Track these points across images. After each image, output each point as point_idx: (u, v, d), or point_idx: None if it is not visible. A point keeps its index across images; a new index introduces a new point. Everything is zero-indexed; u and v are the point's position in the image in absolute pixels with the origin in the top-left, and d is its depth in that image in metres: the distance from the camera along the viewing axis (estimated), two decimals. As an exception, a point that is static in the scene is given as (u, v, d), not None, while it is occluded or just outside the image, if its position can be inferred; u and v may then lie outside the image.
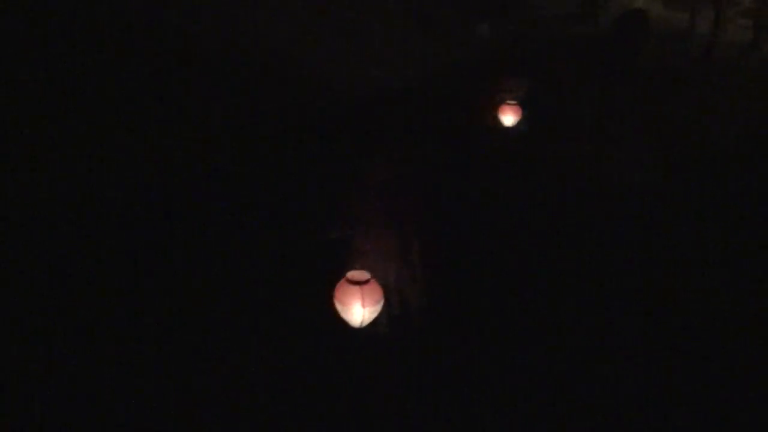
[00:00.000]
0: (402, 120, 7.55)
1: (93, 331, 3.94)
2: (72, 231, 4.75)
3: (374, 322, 3.55)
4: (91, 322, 4.01)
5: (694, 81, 10.04)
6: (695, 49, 11.64)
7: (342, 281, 3.42)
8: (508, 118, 6.80)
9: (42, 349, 3.76)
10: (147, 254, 4.62)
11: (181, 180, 5.49)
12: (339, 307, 3.46)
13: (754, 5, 12.20)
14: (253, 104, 6.62)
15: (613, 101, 8.97)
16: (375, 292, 3.44)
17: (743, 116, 8.73)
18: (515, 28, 12.32)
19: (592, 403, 3.78)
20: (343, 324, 3.53)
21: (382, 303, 3.50)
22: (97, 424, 3.42)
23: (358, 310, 3.41)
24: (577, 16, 13.91)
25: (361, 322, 3.48)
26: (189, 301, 4.26)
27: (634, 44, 10.98)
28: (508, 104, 6.80)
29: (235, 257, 4.73)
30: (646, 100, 9.00)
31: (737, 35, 12.13)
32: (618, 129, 8.18)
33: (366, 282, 3.40)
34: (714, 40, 11.39)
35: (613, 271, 5.06)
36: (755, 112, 8.92)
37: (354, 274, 3.44)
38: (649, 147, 7.61)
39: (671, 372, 4.04)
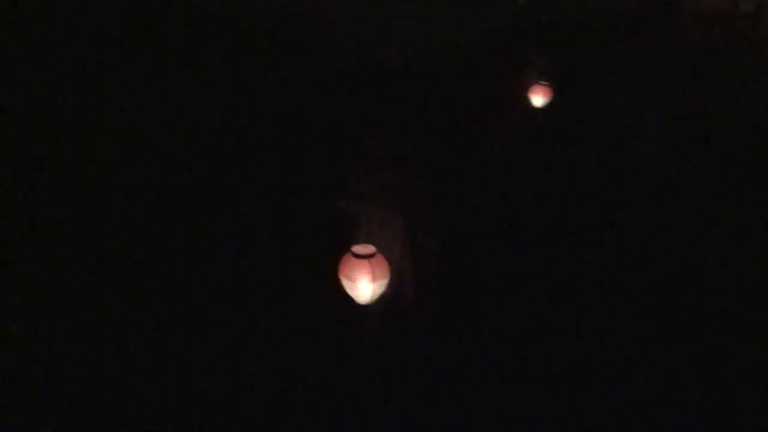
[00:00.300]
0: (419, 95, 7.26)
1: (93, 331, 3.94)
2: (72, 231, 4.75)
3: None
4: (91, 322, 4.01)
5: (732, 64, 9.51)
6: (737, 30, 11.28)
7: (347, 255, 3.26)
8: (538, 99, 6.28)
9: (42, 349, 3.77)
10: (147, 254, 4.62)
11: (181, 180, 5.49)
12: (346, 283, 3.28)
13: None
14: (254, 104, 6.62)
15: (636, 84, 8.52)
16: (383, 265, 3.29)
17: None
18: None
19: (592, 403, 3.78)
20: (350, 301, 3.37)
21: (389, 277, 3.34)
22: (98, 424, 3.42)
23: (367, 285, 3.25)
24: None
25: (371, 298, 3.32)
26: (189, 301, 4.26)
27: (660, 20, 10.64)
28: (539, 84, 6.30)
29: (235, 257, 4.72)
30: (675, 84, 8.59)
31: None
32: (641, 116, 7.84)
33: (373, 255, 3.25)
34: (757, 21, 10.78)
35: (614, 270, 5.04)
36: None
37: (359, 248, 3.28)
38: (672, 136, 7.17)
39: (672, 372, 4.03)
